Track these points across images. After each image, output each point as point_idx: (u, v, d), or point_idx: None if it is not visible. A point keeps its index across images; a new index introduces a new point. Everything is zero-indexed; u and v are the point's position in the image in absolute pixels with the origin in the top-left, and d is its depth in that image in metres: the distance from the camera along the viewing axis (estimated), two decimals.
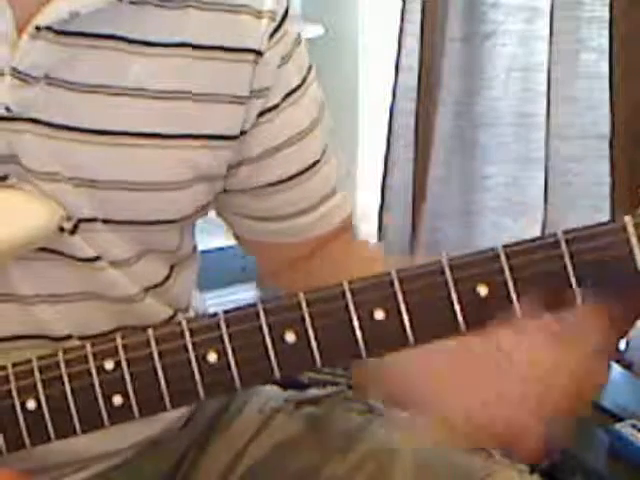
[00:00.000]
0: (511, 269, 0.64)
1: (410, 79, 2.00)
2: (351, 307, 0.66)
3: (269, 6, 0.83)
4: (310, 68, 0.89)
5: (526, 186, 1.92)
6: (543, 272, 0.63)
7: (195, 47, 0.80)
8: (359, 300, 0.66)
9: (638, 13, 1.57)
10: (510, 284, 0.64)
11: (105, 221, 0.81)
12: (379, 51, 2.34)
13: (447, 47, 1.90)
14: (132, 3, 0.77)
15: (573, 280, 0.63)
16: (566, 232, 0.63)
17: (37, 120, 0.77)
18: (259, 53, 0.82)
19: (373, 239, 2.17)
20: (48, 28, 0.75)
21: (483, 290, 0.64)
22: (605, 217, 1.92)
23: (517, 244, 0.64)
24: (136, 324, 0.86)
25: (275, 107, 0.85)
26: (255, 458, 0.92)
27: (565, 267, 0.63)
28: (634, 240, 0.62)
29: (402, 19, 1.99)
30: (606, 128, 1.65)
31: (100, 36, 0.77)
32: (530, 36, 1.84)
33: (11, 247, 0.77)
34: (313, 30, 2.35)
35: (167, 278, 0.89)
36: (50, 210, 0.77)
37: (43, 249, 0.79)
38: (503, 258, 0.64)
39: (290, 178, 0.89)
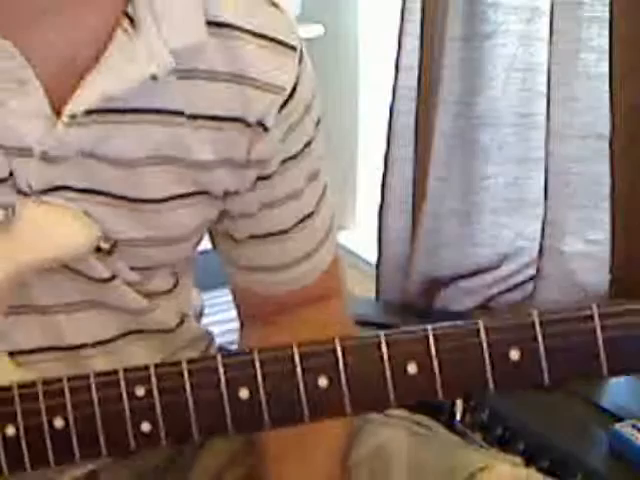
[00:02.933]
0: (544, 337, 0.66)
1: (410, 79, 1.99)
2: (385, 359, 0.68)
3: (279, 80, 0.81)
4: (318, 122, 0.88)
5: (526, 186, 1.92)
6: (574, 343, 0.66)
7: (202, 117, 0.80)
8: (394, 352, 0.68)
9: (638, 13, 1.57)
10: (542, 351, 0.66)
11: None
12: (379, 51, 2.34)
13: (447, 47, 1.89)
14: (154, 78, 0.76)
15: (602, 353, 0.66)
16: (600, 306, 0.66)
17: (63, 187, 0.78)
18: (265, 128, 0.82)
19: (373, 239, 2.16)
20: (84, 112, 0.75)
21: (515, 354, 0.67)
22: (605, 217, 1.91)
23: (552, 313, 0.67)
24: (144, 329, 0.89)
25: (271, 175, 0.85)
26: (252, 458, 0.92)
27: (596, 340, 0.66)
28: None
29: (402, 19, 1.99)
30: (606, 128, 1.65)
31: (132, 111, 0.77)
32: (530, 36, 1.84)
33: (48, 262, 0.78)
34: (313, 30, 2.36)
35: (175, 285, 0.91)
36: (89, 229, 0.78)
37: (63, 266, 0.81)
38: (537, 326, 0.66)
39: (281, 232, 0.89)
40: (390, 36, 2.06)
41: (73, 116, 0.74)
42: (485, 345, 0.67)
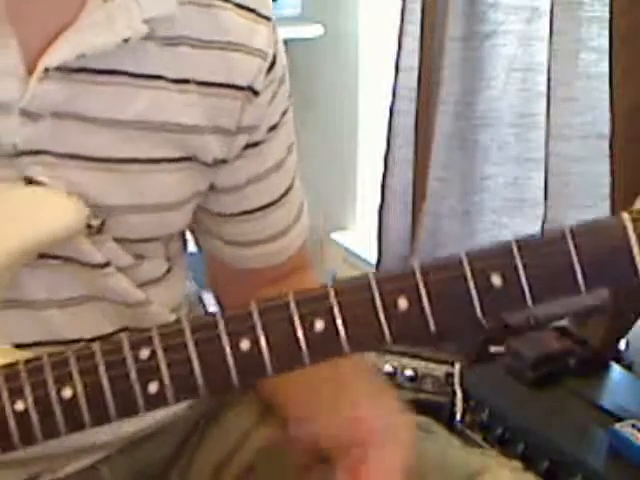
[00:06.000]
0: (522, 260, 0.69)
1: (410, 79, 2.00)
2: (376, 296, 0.70)
3: (261, 45, 0.85)
4: (289, 96, 0.91)
5: (526, 186, 1.92)
6: (551, 262, 0.69)
7: (191, 82, 0.83)
8: (384, 290, 0.70)
9: (638, 13, 1.57)
10: (522, 274, 0.69)
11: (114, 239, 0.84)
12: (379, 51, 2.34)
13: (447, 47, 1.90)
14: (125, 41, 0.78)
15: (578, 270, 0.69)
16: (571, 227, 0.69)
17: (44, 151, 0.79)
18: (255, 92, 0.85)
19: (373, 239, 2.17)
20: (56, 68, 0.76)
21: (497, 280, 0.69)
22: (603, 215, 1.92)
23: (528, 238, 0.70)
24: (139, 326, 0.87)
25: (259, 142, 0.88)
26: (253, 448, 0.93)
27: (571, 259, 0.69)
28: (632, 235, 0.68)
29: (402, 19, 1.99)
30: (606, 128, 1.65)
31: (105, 72, 0.79)
32: (530, 36, 1.84)
33: (39, 245, 0.78)
34: (313, 30, 2.36)
35: (167, 272, 0.92)
36: (77, 207, 0.79)
37: (55, 256, 0.81)
38: (515, 251, 0.69)
39: (266, 206, 0.91)
40: (390, 36, 2.06)
41: (46, 70, 0.76)
42: (469, 274, 0.69)
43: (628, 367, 1.74)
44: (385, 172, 2.09)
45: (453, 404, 1.69)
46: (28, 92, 0.76)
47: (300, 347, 0.70)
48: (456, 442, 0.95)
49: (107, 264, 0.84)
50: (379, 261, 2.15)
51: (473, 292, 0.69)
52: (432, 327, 0.70)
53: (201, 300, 1.03)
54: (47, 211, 0.78)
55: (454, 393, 1.69)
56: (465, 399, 1.67)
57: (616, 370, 1.72)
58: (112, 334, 0.87)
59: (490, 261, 0.70)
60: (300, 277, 0.97)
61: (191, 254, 1.00)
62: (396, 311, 0.70)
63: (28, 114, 0.77)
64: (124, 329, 0.88)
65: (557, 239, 0.69)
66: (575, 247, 0.69)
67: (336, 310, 0.70)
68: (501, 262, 0.69)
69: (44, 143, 0.79)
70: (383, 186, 2.09)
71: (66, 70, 0.77)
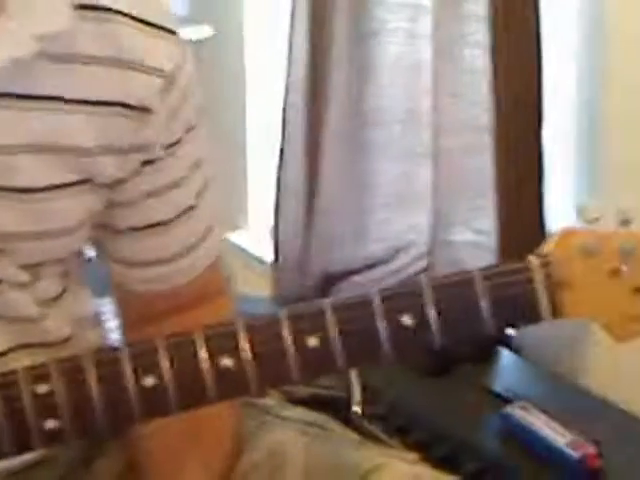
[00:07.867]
0: (434, 302, 0.71)
1: (299, 78, 2.01)
2: (287, 335, 0.70)
3: (158, 63, 0.81)
4: (200, 111, 0.88)
5: (415, 181, 1.95)
6: (460, 304, 0.71)
7: (83, 102, 0.80)
8: (295, 328, 0.70)
9: (517, 9, 1.62)
10: (433, 315, 0.70)
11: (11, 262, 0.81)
12: (266, 50, 2.35)
13: (335, 45, 1.91)
14: (17, 62, 0.75)
15: (485, 312, 0.71)
16: (482, 269, 0.72)
17: None
18: (148, 111, 0.82)
19: (266, 238, 2.17)
20: None
21: (408, 320, 0.70)
22: (489, 205, 1.93)
23: (440, 279, 0.72)
24: (35, 342, 0.86)
25: (155, 160, 0.84)
26: None
27: (478, 300, 0.71)
28: (537, 276, 0.71)
29: (292, 17, 2.00)
30: (489, 121, 1.70)
31: None
32: (414, 34, 1.87)
33: None
34: (202, 31, 2.35)
35: (64, 292, 0.89)
36: None
37: None
38: (429, 292, 0.71)
39: (161, 223, 0.88)
40: (278, 34, 2.07)
41: None
42: (379, 313, 0.70)
43: (517, 351, 1.78)
44: (279, 170, 2.08)
45: (350, 397, 1.70)
46: None
47: (206, 384, 0.69)
48: (353, 438, 0.95)
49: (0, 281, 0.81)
50: (275, 259, 2.15)
51: (382, 332, 0.70)
52: (340, 365, 0.70)
53: (98, 316, 1.01)
54: None
55: (351, 386, 1.71)
56: (362, 391, 1.69)
57: (506, 354, 1.76)
58: (3, 354, 0.84)
59: (401, 301, 0.70)
60: (210, 306, 0.93)
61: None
62: (305, 349, 0.70)
63: None
64: (16, 348, 0.85)
65: (468, 281, 0.71)
66: (483, 290, 0.71)
67: (245, 347, 0.69)
68: (412, 302, 0.70)
69: None
70: (278, 183, 2.09)
71: None
